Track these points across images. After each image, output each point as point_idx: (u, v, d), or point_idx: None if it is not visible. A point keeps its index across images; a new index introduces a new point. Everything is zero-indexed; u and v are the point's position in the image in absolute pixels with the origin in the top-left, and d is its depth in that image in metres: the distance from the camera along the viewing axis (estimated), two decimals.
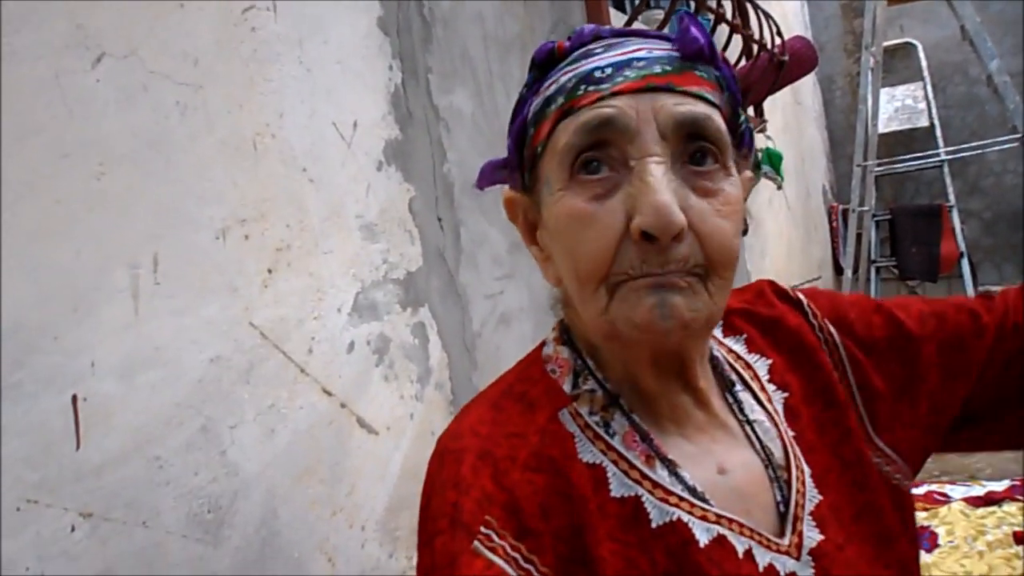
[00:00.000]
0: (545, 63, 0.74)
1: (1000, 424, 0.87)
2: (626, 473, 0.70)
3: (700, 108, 0.67)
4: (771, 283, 0.91)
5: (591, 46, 0.72)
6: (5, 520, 0.76)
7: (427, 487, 0.72)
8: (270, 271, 1.08)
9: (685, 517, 0.68)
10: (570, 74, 0.70)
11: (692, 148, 0.67)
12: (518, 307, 1.64)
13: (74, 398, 0.83)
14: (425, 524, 0.69)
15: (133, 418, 0.89)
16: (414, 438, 1.31)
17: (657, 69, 0.68)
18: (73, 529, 0.81)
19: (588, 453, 0.71)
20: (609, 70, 0.68)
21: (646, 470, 0.70)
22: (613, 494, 0.69)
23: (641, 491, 0.69)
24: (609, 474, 0.70)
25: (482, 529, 0.64)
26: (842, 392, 0.83)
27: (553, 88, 0.71)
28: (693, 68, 0.69)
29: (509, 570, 0.64)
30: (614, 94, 0.66)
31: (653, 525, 0.68)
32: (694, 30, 0.68)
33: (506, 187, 0.79)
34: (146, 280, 0.92)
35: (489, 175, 0.81)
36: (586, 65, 0.70)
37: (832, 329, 0.86)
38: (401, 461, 1.27)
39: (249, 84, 1.10)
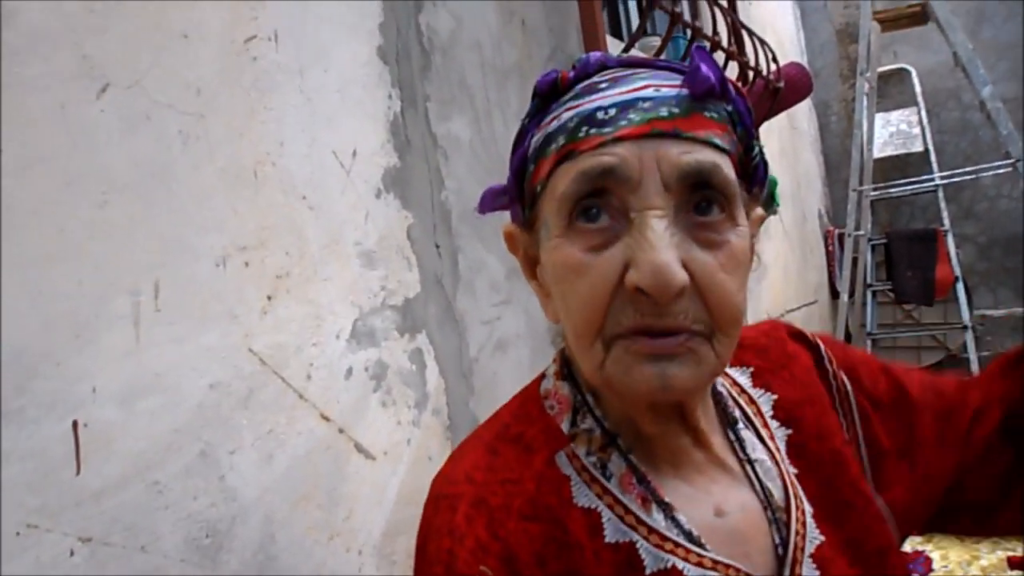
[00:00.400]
0: (548, 94, 0.71)
1: (988, 510, 0.86)
2: (621, 518, 0.69)
3: (707, 156, 0.64)
4: (787, 325, 0.90)
5: (595, 79, 0.69)
6: (5, 545, 0.76)
7: (423, 530, 0.71)
8: (269, 298, 1.09)
9: (680, 564, 0.67)
10: (572, 112, 0.67)
11: (697, 197, 0.64)
12: (515, 333, 1.65)
13: (75, 424, 0.84)
14: (421, 567, 0.68)
15: (133, 444, 0.89)
16: (411, 463, 1.31)
17: (663, 112, 0.64)
18: (72, 554, 0.82)
19: (584, 497, 0.70)
20: (613, 111, 0.65)
21: (642, 515, 0.69)
22: (608, 540, 0.68)
23: (636, 537, 0.68)
24: (604, 519, 0.69)
25: None
26: (849, 441, 0.82)
27: (555, 125, 0.68)
28: (703, 109, 0.65)
29: None
30: (617, 140, 0.63)
31: (647, 572, 0.67)
32: (705, 68, 0.65)
33: (507, 217, 0.77)
34: (147, 307, 0.93)
35: (490, 201, 0.78)
36: (589, 104, 0.66)
37: (845, 379, 0.85)
38: (398, 486, 1.28)
39: (250, 113, 1.11)
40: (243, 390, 1.03)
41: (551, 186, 0.68)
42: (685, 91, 0.65)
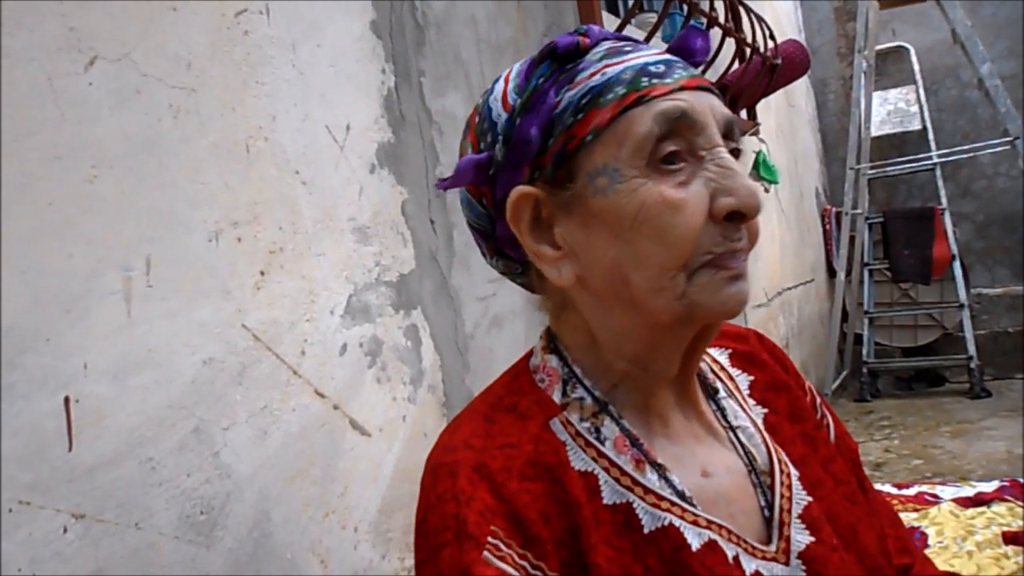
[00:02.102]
0: (567, 56, 0.73)
1: None
2: (617, 480, 0.71)
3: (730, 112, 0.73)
4: (757, 332, 0.96)
5: (614, 44, 0.74)
6: None
7: (423, 502, 0.71)
8: (263, 273, 1.09)
9: (676, 521, 0.69)
10: (619, 67, 0.71)
11: (730, 147, 0.72)
12: (510, 310, 1.64)
13: (67, 400, 0.83)
14: (426, 539, 0.68)
15: (126, 420, 0.89)
16: (407, 440, 1.31)
17: (695, 72, 0.73)
18: (65, 530, 0.82)
19: (580, 461, 0.71)
20: (662, 67, 0.71)
21: (637, 475, 0.71)
22: (606, 501, 0.69)
23: (632, 497, 0.70)
24: (601, 481, 0.70)
25: (489, 539, 0.65)
26: (820, 425, 0.87)
27: (599, 79, 0.71)
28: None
29: None
30: (681, 88, 0.70)
31: (645, 531, 0.68)
32: (701, 41, 0.76)
33: (518, 186, 0.74)
34: (139, 282, 0.92)
35: (470, 174, 0.76)
36: (634, 60, 0.71)
37: (811, 386, 0.91)
38: (394, 463, 1.27)
39: (242, 87, 1.10)
40: (236, 366, 1.03)
41: (616, 130, 0.70)
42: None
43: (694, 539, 0.68)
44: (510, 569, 0.64)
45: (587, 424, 0.74)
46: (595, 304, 0.75)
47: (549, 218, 0.74)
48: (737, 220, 0.69)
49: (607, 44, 0.74)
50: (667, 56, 0.73)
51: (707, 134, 0.70)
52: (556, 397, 0.76)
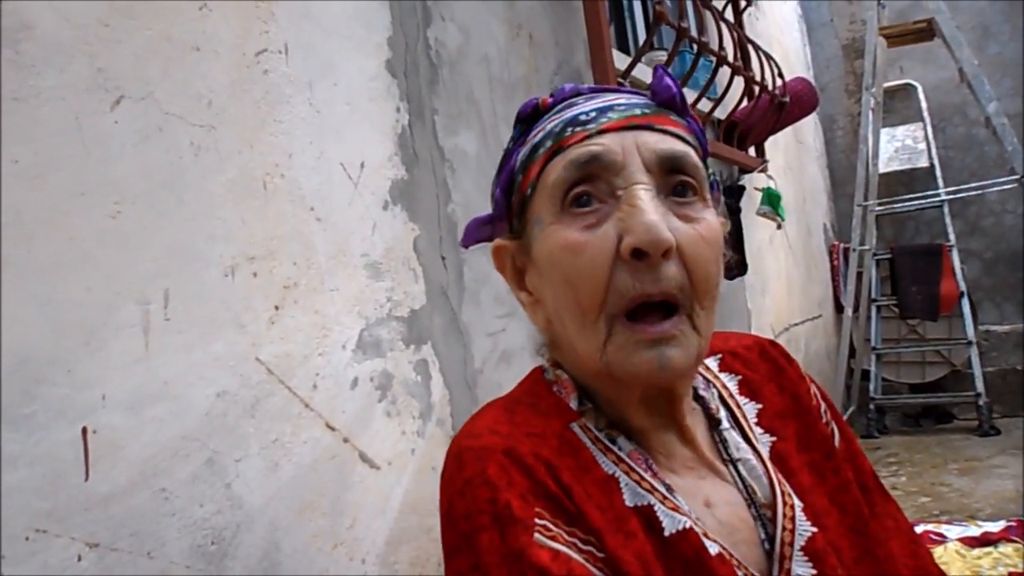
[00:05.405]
0: (530, 117, 0.79)
1: None
2: (638, 483, 0.72)
3: (679, 145, 0.72)
4: (774, 343, 0.94)
5: (573, 99, 0.78)
6: (14, 549, 0.77)
7: (447, 489, 0.72)
8: (277, 308, 1.11)
9: (694, 527, 0.70)
10: (557, 120, 0.75)
11: (674, 181, 0.71)
12: (519, 345, 1.66)
13: (84, 430, 0.85)
14: (455, 525, 0.68)
15: (141, 450, 0.91)
16: (415, 473, 1.32)
17: (637, 111, 0.74)
18: (80, 559, 0.83)
19: (601, 464, 0.73)
20: (593, 113, 0.74)
21: (655, 483, 0.73)
22: (628, 504, 0.71)
23: (652, 500, 0.71)
24: (622, 484, 0.72)
25: (537, 521, 0.65)
26: (837, 446, 0.86)
27: (540, 135, 0.76)
28: (670, 113, 0.75)
29: (574, 555, 0.65)
30: (600, 132, 0.72)
31: (666, 533, 0.70)
32: (668, 80, 0.75)
33: (495, 240, 0.82)
34: (156, 316, 0.94)
35: (475, 232, 0.85)
36: (570, 112, 0.75)
37: (824, 404, 0.90)
38: (402, 496, 1.28)
39: (260, 125, 1.13)
40: (250, 399, 1.04)
41: (542, 182, 0.74)
42: (652, 101, 0.76)
43: (711, 546, 0.69)
44: (562, 548, 0.65)
45: (603, 433, 0.76)
46: (563, 350, 0.79)
47: (522, 267, 0.79)
48: (644, 259, 0.67)
49: (579, 97, 0.78)
50: (609, 102, 0.75)
51: (626, 173, 0.70)
52: (573, 404, 0.78)
